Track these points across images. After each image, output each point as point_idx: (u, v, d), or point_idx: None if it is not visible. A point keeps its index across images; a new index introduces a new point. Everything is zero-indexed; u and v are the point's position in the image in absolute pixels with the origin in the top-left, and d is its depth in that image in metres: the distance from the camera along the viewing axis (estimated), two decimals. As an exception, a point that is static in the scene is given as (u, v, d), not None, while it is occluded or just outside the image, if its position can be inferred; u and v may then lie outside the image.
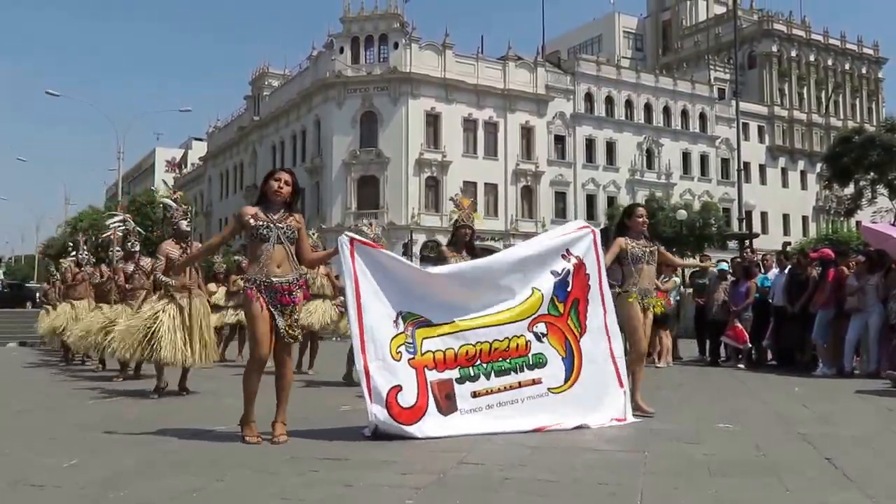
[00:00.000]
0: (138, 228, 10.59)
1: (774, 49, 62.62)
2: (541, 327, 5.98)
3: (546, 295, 6.03)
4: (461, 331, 5.75)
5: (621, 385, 6.18)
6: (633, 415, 6.25)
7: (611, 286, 6.66)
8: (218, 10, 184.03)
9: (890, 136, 39.03)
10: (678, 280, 14.24)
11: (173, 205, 8.62)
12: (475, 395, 5.67)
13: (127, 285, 10.38)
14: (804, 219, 61.83)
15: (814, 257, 11.52)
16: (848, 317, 10.46)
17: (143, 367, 9.79)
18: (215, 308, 12.01)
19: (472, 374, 5.70)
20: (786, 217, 60.72)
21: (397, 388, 5.41)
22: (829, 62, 65.83)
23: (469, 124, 48.89)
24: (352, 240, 5.65)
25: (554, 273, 6.11)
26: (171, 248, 8.17)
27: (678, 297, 13.92)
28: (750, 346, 12.00)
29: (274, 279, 5.21)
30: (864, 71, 68.13)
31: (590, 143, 53.20)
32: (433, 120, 47.73)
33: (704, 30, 67.24)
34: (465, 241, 7.46)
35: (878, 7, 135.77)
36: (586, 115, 53.09)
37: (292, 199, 5.43)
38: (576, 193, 52.34)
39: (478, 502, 3.83)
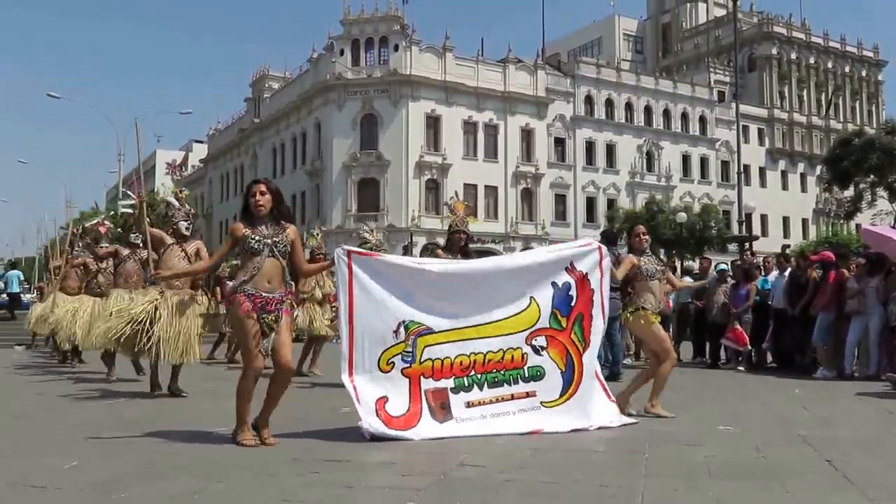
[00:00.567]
0: (148, 219, 10.51)
1: (774, 52, 62.67)
2: (540, 340, 5.99)
3: (544, 307, 6.03)
4: (459, 340, 5.77)
5: (610, 398, 6.23)
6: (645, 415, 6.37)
7: (612, 289, 6.69)
8: (218, 12, 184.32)
9: (890, 138, 39.07)
10: (690, 280, 14.22)
11: (176, 203, 8.58)
12: (469, 405, 5.70)
13: (110, 269, 10.45)
14: (804, 221, 61.86)
15: (814, 260, 11.52)
16: (848, 319, 10.46)
17: (142, 367, 9.78)
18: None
19: (467, 384, 5.73)
20: (786, 220, 60.75)
21: (384, 399, 5.46)
22: (829, 65, 65.88)
23: (469, 127, 48.93)
24: (349, 252, 5.66)
25: (554, 285, 6.11)
26: (165, 236, 8.22)
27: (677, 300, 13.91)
28: (750, 348, 11.99)
29: (263, 293, 5.17)
30: (864, 73, 68.18)
31: (590, 146, 53.24)
32: (433, 122, 47.77)
33: (704, 32, 67.32)
34: (460, 247, 7.51)
35: (879, 10, 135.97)
36: (586, 117, 53.13)
37: (278, 207, 5.32)
38: (576, 196, 52.37)
39: (478, 504, 3.83)
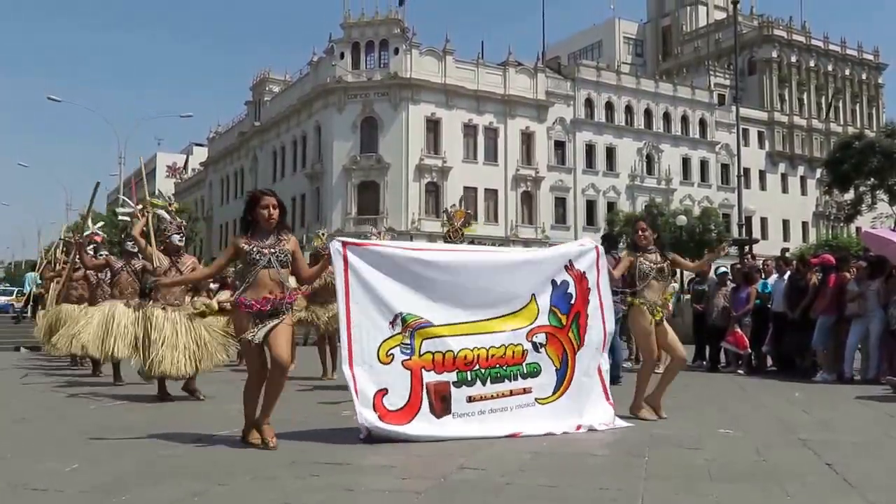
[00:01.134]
0: (143, 228, 10.51)
1: (774, 55, 62.72)
2: (540, 337, 6.02)
3: (543, 304, 6.06)
4: (461, 334, 5.76)
5: (608, 400, 6.25)
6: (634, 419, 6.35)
7: (614, 293, 6.69)
8: (219, 16, 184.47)
9: (890, 141, 39.07)
10: (676, 286, 14.25)
11: (167, 216, 8.59)
12: (470, 399, 5.70)
13: (104, 279, 10.47)
14: (804, 224, 61.85)
15: (814, 263, 11.52)
16: (848, 322, 10.45)
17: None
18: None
19: (470, 378, 5.73)
20: (786, 223, 60.75)
21: (383, 392, 5.45)
22: (830, 68, 65.93)
23: (469, 130, 48.96)
24: (344, 243, 5.66)
25: (553, 283, 6.13)
26: (161, 257, 8.22)
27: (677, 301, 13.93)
28: (750, 351, 11.99)
29: (262, 303, 5.22)
30: (864, 76, 68.24)
31: (590, 149, 53.27)
32: (433, 125, 47.81)
33: (704, 35, 67.38)
34: None
35: (879, 13, 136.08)
36: (586, 120, 53.16)
37: (282, 217, 5.41)
38: (576, 199, 52.39)
39: (478, 507, 3.83)
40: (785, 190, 61.71)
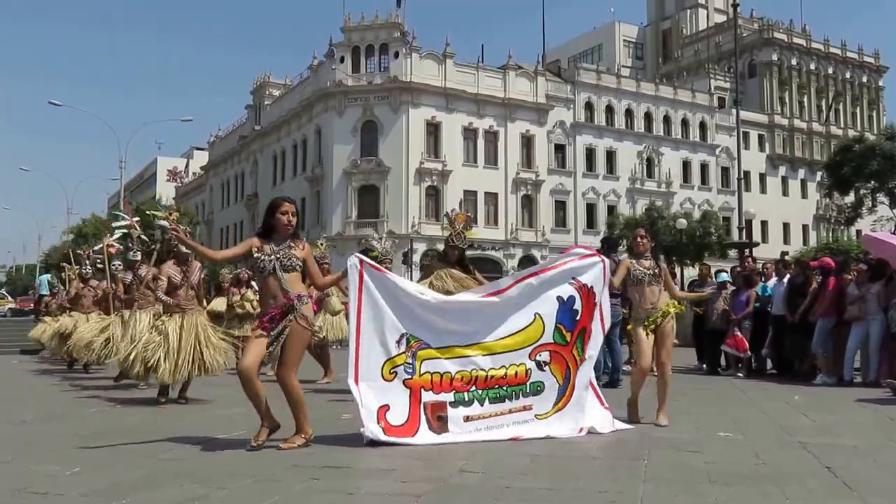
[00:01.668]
0: (142, 236, 10.58)
1: (775, 58, 62.73)
2: (544, 356, 6.03)
3: (548, 322, 6.05)
4: (459, 357, 5.84)
5: (603, 405, 6.27)
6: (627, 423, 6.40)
7: (614, 296, 6.70)
8: (219, 20, 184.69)
9: (890, 144, 39.02)
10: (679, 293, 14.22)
11: (168, 226, 8.63)
12: (467, 419, 5.75)
13: (125, 295, 10.47)
14: (804, 227, 61.81)
15: (814, 266, 11.53)
16: (848, 325, 10.46)
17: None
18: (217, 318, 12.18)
19: (467, 398, 5.79)
20: (786, 226, 60.71)
21: (385, 408, 5.55)
22: (830, 71, 65.94)
23: (469, 133, 48.96)
24: (361, 261, 5.77)
25: (559, 299, 6.13)
26: (172, 270, 8.26)
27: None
28: (750, 354, 11.99)
29: (269, 310, 5.37)
30: (864, 79, 68.23)
31: (590, 152, 53.26)
32: (433, 129, 47.81)
33: (704, 38, 67.39)
34: (454, 262, 7.58)
35: (879, 16, 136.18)
36: (586, 123, 53.17)
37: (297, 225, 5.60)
38: (576, 202, 52.39)
39: (478, 510, 3.84)
40: (785, 193, 61.68)
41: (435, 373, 5.75)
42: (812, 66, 64.90)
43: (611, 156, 54.02)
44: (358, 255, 5.90)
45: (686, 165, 57.03)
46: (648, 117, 55.81)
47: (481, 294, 6.22)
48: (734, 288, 12.62)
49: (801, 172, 62.45)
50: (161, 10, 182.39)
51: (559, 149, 52.29)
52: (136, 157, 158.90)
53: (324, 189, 48.01)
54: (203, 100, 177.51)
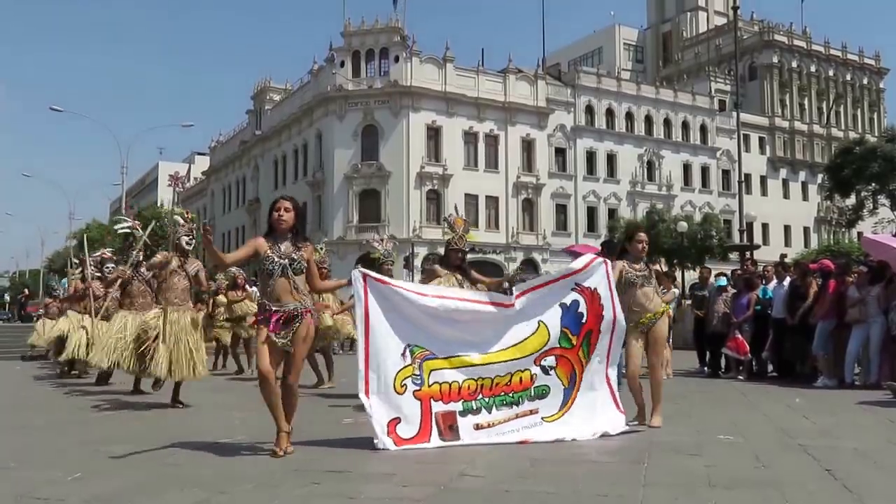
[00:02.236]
0: (146, 239, 10.58)
1: (775, 60, 62.75)
2: (550, 360, 6.06)
3: (553, 328, 6.08)
4: (464, 366, 5.87)
5: (619, 408, 6.27)
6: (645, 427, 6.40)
7: None
8: (220, 25, 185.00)
9: (891, 146, 39.05)
10: (677, 292, 14.26)
11: (181, 221, 8.73)
12: (477, 427, 5.79)
13: (112, 292, 10.61)
14: (805, 230, 61.79)
15: (814, 269, 11.54)
16: (848, 328, 10.47)
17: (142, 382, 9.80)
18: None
19: (475, 407, 5.83)
20: (787, 228, 60.68)
21: (396, 420, 5.58)
22: (831, 73, 65.95)
23: (470, 137, 48.99)
24: (364, 275, 5.79)
25: (562, 305, 6.16)
26: (172, 257, 8.36)
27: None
28: (750, 357, 11.99)
29: (274, 308, 5.33)
30: (865, 81, 68.22)
31: (590, 156, 53.28)
32: (434, 133, 47.84)
33: (705, 41, 67.43)
34: (456, 265, 7.63)
35: (880, 18, 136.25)
36: (587, 127, 53.19)
37: (298, 224, 5.52)
38: (577, 206, 52.40)
39: (479, 515, 3.85)
40: (786, 195, 61.67)
41: (444, 382, 5.79)
42: (813, 69, 64.91)
43: (611, 159, 54.03)
44: (361, 269, 5.92)
45: (687, 168, 57.03)
46: (649, 120, 55.82)
47: (488, 302, 6.23)
48: (735, 291, 12.62)
49: (802, 175, 62.44)
50: (161, 16, 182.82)
51: (560, 152, 52.30)
52: (137, 162, 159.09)
53: (325, 194, 48.04)
54: (204, 105, 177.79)
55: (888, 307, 10.06)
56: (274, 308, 5.31)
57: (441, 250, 8.50)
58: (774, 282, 12.21)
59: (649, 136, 55.60)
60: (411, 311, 5.84)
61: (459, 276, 7.56)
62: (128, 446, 5.65)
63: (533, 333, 6.05)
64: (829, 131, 63.22)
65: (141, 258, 10.44)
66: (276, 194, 50.07)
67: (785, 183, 61.83)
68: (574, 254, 10.92)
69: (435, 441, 5.61)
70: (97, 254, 12.85)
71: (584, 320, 6.18)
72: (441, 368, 5.80)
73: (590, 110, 53.60)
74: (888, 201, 40.95)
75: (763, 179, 60.41)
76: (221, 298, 12.72)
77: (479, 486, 4.42)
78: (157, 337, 8.03)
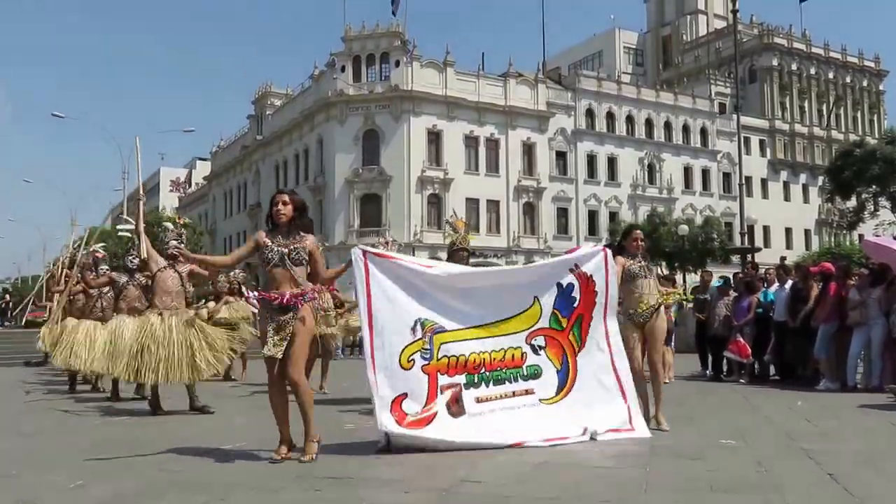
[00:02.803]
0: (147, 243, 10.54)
1: (775, 63, 62.80)
2: (539, 340, 6.11)
3: (546, 307, 6.14)
4: (472, 339, 5.89)
5: (625, 399, 6.24)
6: (649, 427, 6.38)
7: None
8: (220, 30, 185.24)
9: (891, 148, 39.04)
10: (679, 295, 14.22)
11: (170, 227, 8.80)
12: (479, 400, 5.83)
13: (105, 293, 10.63)
14: (807, 232, 61.80)
15: (814, 272, 11.54)
16: (850, 330, 10.46)
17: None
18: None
19: (476, 380, 5.87)
20: (788, 231, 60.68)
21: (402, 396, 5.58)
22: (830, 75, 66.00)
23: (470, 141, 49.02)
24: (364, 252, 5.81)
25: (559, 286, 6.21)
26: (159, 259, 8.41)
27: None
28: (752, 360, 11.99)
29: (274, 294, 5.31)
30: (865, 84, 68.26)
31: (591, 159, 53.31)
32: (435, 137, 47.90)
33: (704, 44, 67.50)
34: (462, 264, 7.66)
35: (879, 20, 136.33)
36: (587, 130, 53.22)
37: (299, 217, 5.48)
38: (578, 209, 52.41)
39: (480, 520, 3.85)
40: (787, 198, 61.67)
41: (452, 356, 5.81)
42: (812, 71, 64.96)
43: (612, 162, 54.06)
44: (360, 246, 5.93)
45: (687, 171, 57.05)
46: (649, 123, 55.86)
47: (492, 272, 6.33)
48: (736, 294, 12.62)
49: (803, 177, 62.47)
50: (162, 22, 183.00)
51: (560, 156, 52.34)
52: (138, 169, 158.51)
53: (326, 198, 48.08)
54: (205, 110, 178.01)
55: (889, 310, 10.05)
56: (274, 293, 5.27)
57: (441, 254, 8.54)
58: (776, 285, 12.21)
59: (650, 139, 55.64)
60: (417, 284, 5.84)
61: None
62: (129, 452, 5.66)
63: (528, 308, 6.10)
64: (829, 133, 63.24)
65: (138, 262, 10.42)
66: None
67: (786, 185, 61.86)
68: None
69: (441, 421, 5.57)
70: (86, 250, 12.68)
71: (575, 304, 6.23)
72: (451, 342, 5.82)
73: (590, 114, 53.65)
74: (889, 203, 40.94)
75: (764, 182, 60.43)
76: (204, 310, 12.69)
77: (480, 491, 4.42)
78: (147, 342, 7.99)
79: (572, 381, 6.12)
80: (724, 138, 57.77)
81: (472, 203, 47.53)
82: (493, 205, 49.16)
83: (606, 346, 6.32)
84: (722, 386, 11.42)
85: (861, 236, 37.72)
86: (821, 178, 54.37)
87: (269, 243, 5.37)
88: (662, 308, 6.98)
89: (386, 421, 5.46)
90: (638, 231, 7.21)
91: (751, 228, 48.28)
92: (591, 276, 6.29)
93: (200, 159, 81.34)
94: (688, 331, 15.80)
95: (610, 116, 54.33)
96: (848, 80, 67.07)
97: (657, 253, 34.34)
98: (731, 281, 13.77)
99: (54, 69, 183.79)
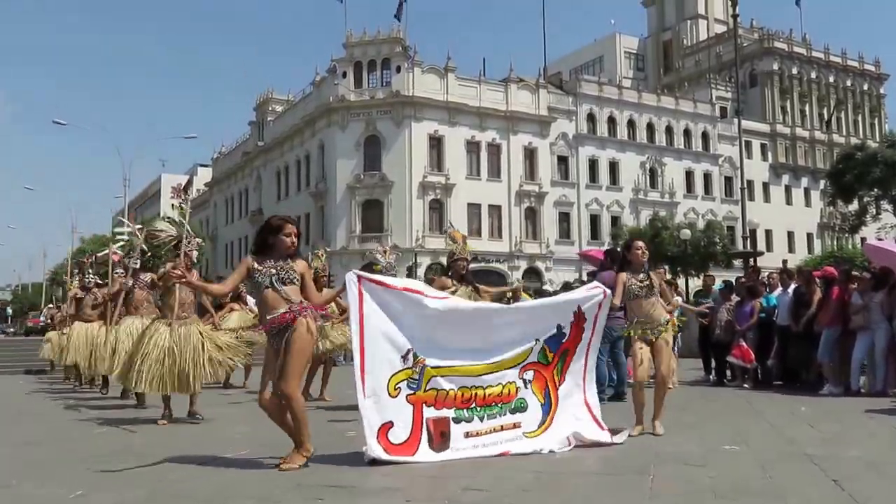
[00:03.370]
0: (142, 246, 10.50)
1: (775, 67, 62.88)
2: (528, 374, 6.11)
3: (539, 344, 6.15)
4: (461, 375, 5.84)
5: (601, 427, 6.25)
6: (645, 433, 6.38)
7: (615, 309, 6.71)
8: (221, 31, 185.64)
9: (892, 151, 39.04)
10: (680, 300, 14.18)
11: (192, 232, 8.75)
12: (467, 435, 5.76)
13: (110, 301, 10.59)
14: (809, 236, 61.78)
15: (816, 276, 11.51)
16: (853, 334, 10.43)
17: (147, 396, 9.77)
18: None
19: (467, 415, 5.81)
20: (790, 234, 60.66)
21: (388, 425, 5.51)
22: (831, 79, 66.06)
23: (472, 146, 49.08)
24: (360, 277, 5.74)
25: (559, 326, 6.23)
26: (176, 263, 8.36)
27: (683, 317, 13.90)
28: (756, 365, 11.95)
29: (268, 318, 5.31)
30: (865, 87, 68.33)
31: (593, 164, 53.35)
32: (436, 143, 47.95)
33: (705, 49, 67.59)
34: (461, 274, 7.69)
35: (879, 24, 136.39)
36: (589, 135, 53.26)
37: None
38: (579, 214, 52.43)
39: (483, 529, 3.82)
40: (789, 202, 61.68)
41: (440, 389, 5.75)
42: (813, 75, 65.03)
43: (614, 167, 54.09)
44: (356, 271, 5.90)
45: (689, 175, 57.07)
46: (651, 128, 55.91)
47: (492, 310, 6.27)
48: (738, 299, 12.58)
49: (805, 181, 62.46)
50: (163, 28, 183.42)
51: (562, 160, 52.38)
52: (140, 174, 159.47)
53: (327, 204, 48.13)
54: (205, 111, 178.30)
55: (892, 313, 10.02)
56: (268, 317, 5.28)
57: (443, 260, 8.59)
58: (779, 289, 12.18)
59: (651, 143, 55.67)
60: (413, 315, 5.78)
61: (470, 289, 7.67)
62: (130, 461, 5.63)
63: (525, 348, 6.10)
64: (830, 137, 63.28)
65: (139, 265, 10.39)
66: (279, 205, 49.78)
67: (787, 189, 61.86)
68: (590, 258, 11.00)
69: (423, 449, 5.53)
70: (103, 252, 12.65)
71: (564, 340, 6.25)
72: (441, 375, 5.76)
73: (591, 118, 53.70)
74: (891, 206, 40.93)
75: (765, 186, 60.44)
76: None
77: (483, 499, 4.39)
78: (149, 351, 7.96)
79: (553, 414, 6.12)
80: (725, 142, 57.80)
81: (474, 208, 47.57)
82: (495, 210, 49.19)
83: (582, 381, 6.36)
84: (725, 391, 11.38)
85: (863, 240, 37.70)
86: (822, 182, 54.39)
87: (259, 265, 5.36)
88: (669, 325, 6.93)
89: (375, 448, 5.42)
90: (639, 242, 7.15)
91: (753, 232, 48.31)
92: (584, 314, 6.33)
93: (202, 165, 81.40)
94: (691, 335, 15.76)
95: (611, 121, 54.39)
96: (848, 83, 67.13)
97: (659, 257, 34.29)
98: (734, 285, 13.73)
99: (54, 69, 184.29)
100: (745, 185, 35.58)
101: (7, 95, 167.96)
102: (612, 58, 73.72)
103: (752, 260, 31.05)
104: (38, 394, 12.78)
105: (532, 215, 50.68)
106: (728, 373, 12.62)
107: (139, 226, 10.70)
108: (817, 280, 11.36)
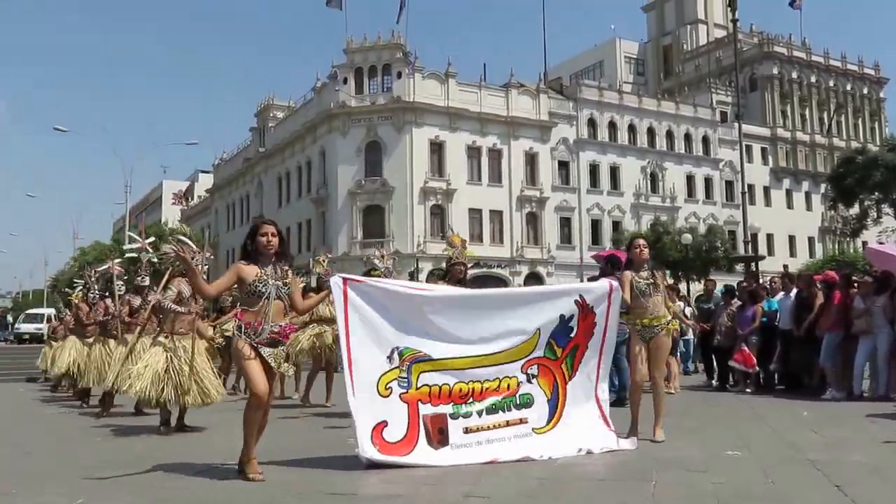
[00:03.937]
0: (152, 258, 10.43)
1: (775, 71, 62.90)
2: (533, 369, 6.10)
3: (543, 337, 6.12)
4: (459, 368, 5.84)
5: (609, 427, 6.25)
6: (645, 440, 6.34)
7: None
8: (221, 31, 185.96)
9: (893, 155, 39.01)
10: (682, 305, 14.19)
11: (194, 246, 8.66)
12: (467, 430, 5.77)
13: (129, 318, 10.45)
14: (810, 240, 61.71)
15: (817, 280, 11.49)
16: (855, 339, 10.40)
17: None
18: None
19: (465, 411, 5.81)
20: (791, 238, 60.60)
21: (383, 424, 5.52)
22: (831, 83, 66.06)
23: (473, 152, 49.08)
24: (345, 279, 5.75)
25: (562, 317, 6.19)
26: (183, 285, 8.27)
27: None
28: (758, 369, 11.93)
29: (268, 329, 5.24)
30: (865, 91, 68.30)
31: (593, 169, 53.33)
32: (437, 148, 47.95)
33: (705, 53, 67.64)
34: (459, 279, 7.70)
35: (879, 28, 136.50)
36: (589, 140, 53.27)
37: (282, 247, 5.43)
38: (581, 219, 52.39)
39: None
40: (790, 206, 61.64)
41: (434, 385, 5.74)
42: (813, 79, 65.04)
43: (614, 171, 54.08)
44: (341, 275, 5.89)
45: (690, 180, 57.04)
46: (651, 132, 55.90)
47: (489, 296, 6.29)
48: (739, 303, 12.56)
49: (805, 185, 62.43)
50: (165, 35, 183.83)
51: (563, 165, 52.36)
52: (141, 181, 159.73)
53: (329, 210, 48.14)
54: (205, 111, 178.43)
55: (894, 317, 10.00)
56: (268, 330, 5.22)
57: (444, 265, 8.58)
58: (781, 293, 12.16)
59: (652, 148, 55.66)
60: (401, 309, 5.79)
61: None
62: (130, 470, 5.62)
63: (526, 340, 6.07)
64: (830, 141, 63.25)
65: (148, 282, 10.35)
66: (281, 212, 49.73)
67: (788, 193, 61.82)
68: (601, 258, 10.99)
69: (422, 449, 5.53)
70: (104, 267, 12.45)
71: (572, 334, 6.22)
72: (433, 371, 5.75)
73: (592, 123, 53.70)
74: (892, 210, 40.91)
75: (766, 190, 60.39)
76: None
77: (484, 506, 4.38)
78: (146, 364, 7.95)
79: (562, 409, 6.12)
80: (725, 147, 57.78)
81: (475, 213, 47.55)
82: (496, 215, 49.16)
83: (595, 377, 6.35)
84: (727, 395, 11.36)
85: (864, 243, 37.69)
86: (823, 186, 54.40)
87: (261, 275, 5.27)
88: (669, 326, 6.92)
89: (367, 449, 5.41)
90: (639, 240, 7.13)
91: (754, 237, 48.20)
92: (591, 306, 6.30)
93: (203, 172, 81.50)
94: (693, 339, 15.73)
95: (612, 126, 54.39)
96: (848, 87, 67.13)
97: (661, 262, 34.31)
98: (735, 289, 13.72)
99: (54, 69, 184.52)
100: (746, 190, 35.55)
101: (7, 96, 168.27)
102: (613, 63, 73.78)
103: (753, 264, 31.02)
104: (36, 402, 12.77)
105: (533, 220, 50.66)
106: (730, 377, 12.60)
107: (150, 239, 10.52)
108: (819, 284, 11.34)
